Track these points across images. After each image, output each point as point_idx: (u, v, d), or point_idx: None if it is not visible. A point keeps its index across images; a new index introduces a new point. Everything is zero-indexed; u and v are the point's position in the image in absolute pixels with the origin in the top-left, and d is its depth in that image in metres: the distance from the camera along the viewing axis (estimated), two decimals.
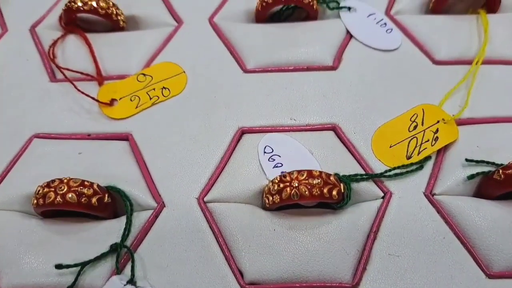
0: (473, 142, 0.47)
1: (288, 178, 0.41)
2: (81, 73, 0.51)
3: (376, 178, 0.45)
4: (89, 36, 0.55)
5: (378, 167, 0.46)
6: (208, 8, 0.58)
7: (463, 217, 0.43)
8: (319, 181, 0.41)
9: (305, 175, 0.41)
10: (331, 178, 0.42)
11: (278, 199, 0.41)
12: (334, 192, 0.41)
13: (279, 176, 0.42)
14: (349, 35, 0.55)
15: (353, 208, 0.44)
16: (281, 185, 0.41)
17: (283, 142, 0.47)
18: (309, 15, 0.55)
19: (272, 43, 0.54)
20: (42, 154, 0.47)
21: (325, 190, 0.41)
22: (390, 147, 0.47)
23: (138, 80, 0.52)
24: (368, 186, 0.45)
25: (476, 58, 0.52)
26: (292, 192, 0.40)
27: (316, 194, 0.40)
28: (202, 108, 0.50)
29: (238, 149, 0.48)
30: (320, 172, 0.41)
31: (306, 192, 0.40)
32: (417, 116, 0.48)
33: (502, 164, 0.44)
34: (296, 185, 0.41)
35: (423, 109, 0.49)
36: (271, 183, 0.42)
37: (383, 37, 0.55)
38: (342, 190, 0.42)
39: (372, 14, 0.57)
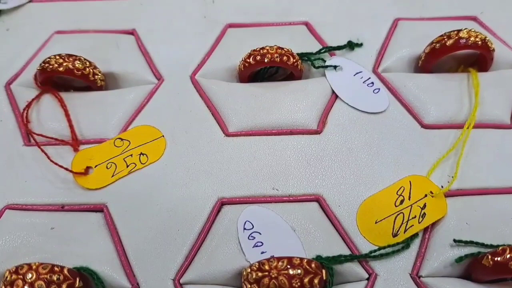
0: (462, 218, 0.45)
1: (267, 267, 0.39)
2: (55, 139, 0.49)
3: (360, 259, 0.43)
4: (65, 96, 0.53)
5: (363, 245, 0.45)
6: (190, 64, 0.56)
7: None
8: (299, 271, 0.39)
9: (285, 264, 0.39)
10: (313, 265, 0.40)
11: None
12: (316, 281, 0.39)
13: (258, 263, 0.40)
14: (335, 96, 0.53)
15: None
16: (260, 274, 0.39)
17: (264, 217, 0.46)
18: (294, 74, 0.53)
19: (255, 104, 0.52)
20: (14, 228, 0.46)
21: (305, 280, 0.39)
22: (376, 223, 0.45)
23: (115, 145, 0.50)
24: (352, 267, 0.43)
25: (466, 124, 0.50)
26: (271, 283, 0.39)
27: (296, 285, 0.39)
28: (181, 176, 0.48)
29: (217, 223, 0.46)
30: (301, 260, 0.40)
31: (286, 284, 0.38)
32: (404, 189, 0.47)
33: (491, 245, 0.42)
34: (275, 275, 0.39)
35: (410, 182, 0.47)
36: (249, 270, 0.40)
37: (370, 98, 0.53)
38: (324, 277, 0.40)
39: (359, 72, 0.55)
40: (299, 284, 0.39)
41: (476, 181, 0.48)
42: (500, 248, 0.41)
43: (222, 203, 0.47)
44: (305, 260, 0.40)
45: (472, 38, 0.51)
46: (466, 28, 0.52)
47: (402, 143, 0.50)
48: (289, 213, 0.46)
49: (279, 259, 0.40)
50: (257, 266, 0.40)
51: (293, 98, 0.53)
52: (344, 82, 0.54)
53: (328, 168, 0.49)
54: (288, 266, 0.39)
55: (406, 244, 0.44)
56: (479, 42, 0.51)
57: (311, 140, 0.51)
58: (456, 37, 0.52)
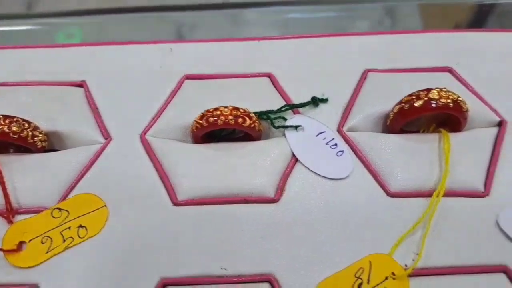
0: None
1: None
2: None
3: None
4: (2, 159, 0.48)
5: None
6: (142, 121, 0.52)
7: None
8: None
9: None
10: None
11: None
12: None
13: None
14: (295, 159, 0.49)
15: None
16: None
17: None
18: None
19: (207, 169, 0.48)
20: None
21: None
22: None
23: (52, 216, 0.46)
24: None
25: (435, 194, 0.46)
26: None
27: None
28: (121, 253, 0.44)
29: None
30: None
31: None
32: (363, 271, 0.43)
33: None
34: None
35: (370, 262, 0.43)
36: None
37: (332, 162, 0.49)
38: None
39: (322, 132, 0.51)
40: None
41: (443, 258, 0.44)
42: None
43: (164, 284, 0.43)
44: None
45: (443, 100, 0.47)
46: (437, 88, 0.48)
47: (365, 214, 0.46)
48: None
49: None
50: None
51: (249, 161, 0.49)
52: (306, 144, 0.50)
53: (284, 244, 0.45)
54: None
55: None
56: (451, 104, 0.48)
57: (267, 210, 0.47)
58: (426, 98, 0.48)
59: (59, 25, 0.77)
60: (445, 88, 0.49)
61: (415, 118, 0.49)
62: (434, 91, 0.48)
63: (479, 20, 0.85)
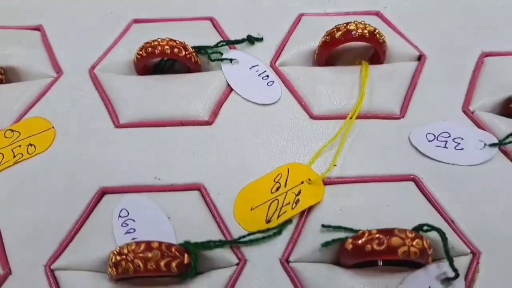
0: (337, 205, 0.46)
1: (125, 251, 0.40)
2: None
3: (229, 245, 0.44)
4: None
5: (238, 232, 0.45)
6: (91, 58, 0.57)
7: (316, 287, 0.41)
8: (156, 253, 0.39)
9: (142, 248, 0.40)
10: (173, 249, 0.40)
11: (115, 272, 0.40)
12: (173, 265, 0.40)
13: (120, 247, 0.41)
14: (230, 88, 0.54)
15: (202, 278, 0.43)
16: (118, 258, 0.40)
17: (140, 205, 0.46)
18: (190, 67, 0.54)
19: (148, 96, 0.53)
20: None
21: (162, 264, 0.39)
22: (251, 209, 0.46)
23: (5, 136, 0.50)
24: (222, 253, 0.44)
25: (350, 114, 0.51)
26: (127, 266, 0.39)
27: (151, 268, 0.39)
28: (66, 167, 0.49)
29: (96, 211, 0.47)
30: (160, 243, 0.40)
31: (141, 266, 0.39)
32: (281, 176, 0.47)
33: (358, 230, 0.42)
34: (131, 258, 0.39)
35: (288, 169, 0.48)
36: (112, 254, 0.41)
37: (263, 91, 0.54)
38: (186, 261, 0.41)
39: (255, 65, 0.55)
40: (154, 267, 0.39)
41: (357, 169, 0.49)
42: (360, 232, 0.41)
43: (103, 192, 0.47)
44: (165, 244, 0.40)
45: (359, 30, 0.52)
46: (355, 21, 0.53)
47: (289, 133, 0.51)
48: (168, 202, 0.47)
49: (138, 243, 0.40)
50: (118, 250, 0.41)
51: (187, 90, 0.54)
52: (240, 75, 0.55)
53: (214, 158, 0.50)
54: (145, 250, 0.40)
55: (279, 230, 0.45)
56: (367, 34, 0.52)
57: (201, 131, 0.52)
58: (345, 30, 0.53)
59: None
60: (363, 21, 0.54)
61: (335, 48, 0.54)
62: (352, 23, 0.53)
63: None
